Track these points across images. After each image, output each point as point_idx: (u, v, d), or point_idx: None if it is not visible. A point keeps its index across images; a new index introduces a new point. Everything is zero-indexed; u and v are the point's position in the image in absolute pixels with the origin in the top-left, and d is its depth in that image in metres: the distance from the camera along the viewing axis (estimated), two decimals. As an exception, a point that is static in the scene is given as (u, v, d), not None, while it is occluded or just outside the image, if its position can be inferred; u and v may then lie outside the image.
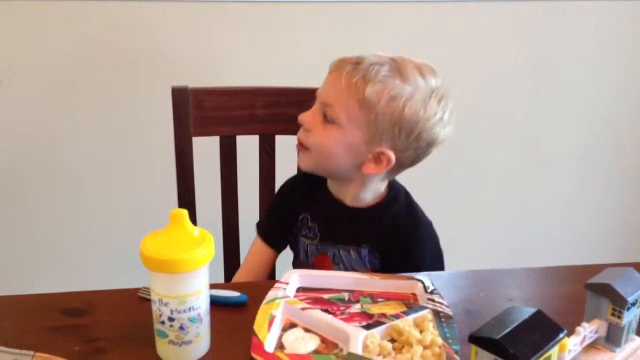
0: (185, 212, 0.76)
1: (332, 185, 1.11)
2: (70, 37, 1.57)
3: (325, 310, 0.86)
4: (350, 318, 0.85)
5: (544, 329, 0.66)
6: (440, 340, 0.79)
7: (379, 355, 0.77)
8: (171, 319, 0.75)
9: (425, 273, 0.97)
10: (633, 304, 0.76)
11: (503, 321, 0.66)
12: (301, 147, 1.04)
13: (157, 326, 0.77)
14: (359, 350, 0.77)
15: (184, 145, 1.24)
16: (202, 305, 0.77)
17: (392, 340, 0.81)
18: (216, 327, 0.81)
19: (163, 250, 0.74)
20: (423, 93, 0.99)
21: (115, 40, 1.59)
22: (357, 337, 0.79)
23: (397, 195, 1.09)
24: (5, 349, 0.76)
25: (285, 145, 1.29)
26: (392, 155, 1.00)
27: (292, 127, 1.25)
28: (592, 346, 0.79)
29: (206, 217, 1.23)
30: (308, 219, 1.12)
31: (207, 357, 0.79)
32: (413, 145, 1.01)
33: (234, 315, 0.87)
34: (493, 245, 1.99)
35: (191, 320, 0.76)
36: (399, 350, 0.79)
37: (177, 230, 0.76)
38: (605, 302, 0.77)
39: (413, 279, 0.94)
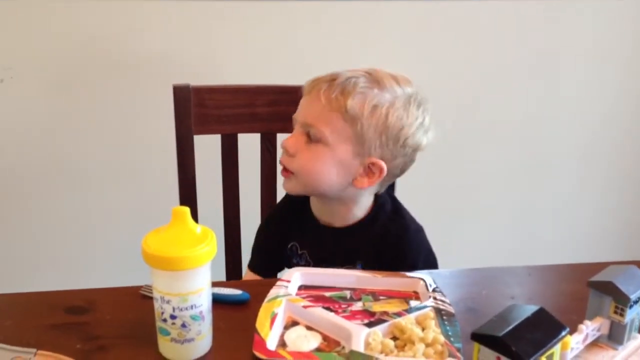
0: (187, 210, 0.76)
1: (318, 210, 1.09)
2: (72, 35, 1.57)
3: (327, 308, 0.86)
4: (352, 316, 0.85)
5: (546, 327, 0.66)
6: (442, 338, 0.79)
7: (381, 353, 0.77)
8: (173, 317, 0.75)
9: (427, 271, 0.97)
10: (635, 302, 0.76)
11: (505, 319, 0.66)
12: (286, 172, 1.03)
13: (159, 324, 0.77)
14: (361, 348, 0.77)
15: (185, 143, 1.24)
16: (204, 303, 0.77)
17: (394, 338, 0.81)
18: (218, 325, 0.81)
19: (165, 247, 0.74)
20: (402, 100, 1.00)
21: (117, 38, 1.59)
22: (359, 335, 0.79)
23: (383, 205, 1.08)
24: (8, 346, 0.76)
25: (287, 144, 1.29)
26: (384, 165, 1.00)
27: (292, 126, 1.26)
28: (595, 344, 0.78)
29: (207, 215, 1.23)
30: (297, 247, 1.11)
31: (209, 355, 0.79)
32: (401, 152, 1.01)
33: (236, 313, 0.87)
34: (495, 244, 1.99)
35: (193, 318, 0.76)
36: (401, 348, 0.79)
37: (179, 227, 0.76)
38: (607, 300, 0.77)
39: (415, 277, 0.94)
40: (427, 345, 0.78)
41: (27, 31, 1.55)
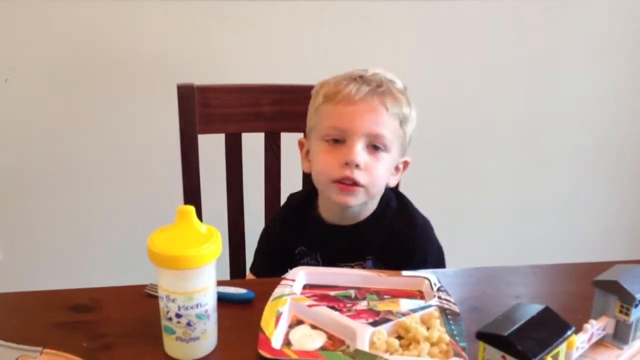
0: (192, 209, 0.76)
1: (327, 211, 1.09)
2: (76, 35, 1.58)
3: (332, 307, 0.86)
4: (357, 315, 0.85)
5: (551, 326, 0.66)
6: (447, 337, 0.79)
7: (386, 352, 0.77)
8: (178, 316, 0.76)
9: (432, 270, 0.97)
10: (641, 301, 0.76)
11: (511, 318, 0.66)
12: (355, 187, 0.99)
13: (164, 323, 0.78)
14: (365, 347, 0.77)
15: (189, 142, 1.24)
16: (209, 302, 0.77)
17: (399, 337, 0.81)
18: (223, 323, 0.81)
19: (170, 246, 0.74)
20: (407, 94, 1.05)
21: (121, 38, 1.59)
22: (363, 334, 0.79)
23: (389, 201, 1.09)
24: (14, 345, 0.76)
25: (291, 143, 1.29)
26: (409, 159, 1.06)
27: (297, 125, 1.26)
28: (600, 343, 0.78)
29: (212, 214, 1.22)
30: (305, 250, 1.11)
31: (214, 353, 0.79)
32: (409, 144, 1.06)
33: (241, 312, 0.87)
34: (499, 243, 1.99)
35: (198, 316, 0.76)
36: (405, 347, 0.79)
37: (184, 226, 0.76)
38: (613, 299, 0.77)
39: (419, 276, 0.94)
40: (432, 344, 0.78)
41: (31, 31, 1.56)
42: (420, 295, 0.91)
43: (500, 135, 1.88)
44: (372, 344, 0.78)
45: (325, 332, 0.82)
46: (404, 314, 0.84)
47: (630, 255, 1.07)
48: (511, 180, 1.94)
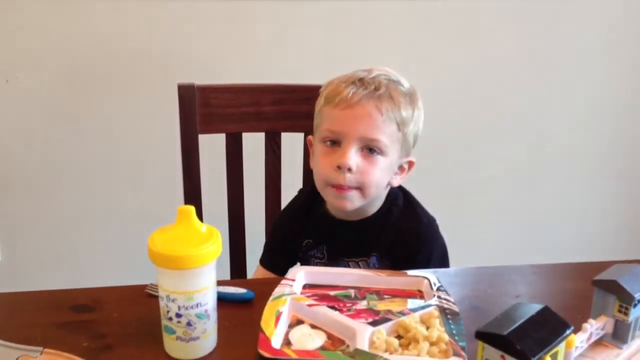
0: (192, 209, 0.76)
1: (332, 207, 1.10)
2: (77, 35, 1.58)
3: (332, 307, 0.86)
4: (356, 315, 0.85)
5: (551, 326, 0.66)
6: (446, 337, 0.79)
7: (386, 351, 0.77)
8: (179, 315, 0.76)
9: (432, 270, 0.97)
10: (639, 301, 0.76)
11: (510, 317, 0.66)
12: (349, 189, 1.00)
13: (164, 322, 0.78)
14: (365, 347, 0.77)
15: (190, 142, 1.25)
16: (209, 302, 0.77)
17: (399, 337, 0.81)
18: (223, 323, 0.82)
19: (171, 246, 0.74)
20: (417, 94, 1.04)
21: (122, 38, 1.60)
22: (363, 334, 0.79)
23: (395, 199, 1.10)
24: (15, 345, 0.76)
25: (291, 143, 1.29)
26: (414, 160, 1.06)
27: (298, 124, 1.26)
28: (599, 343, 0.79)
29: (212, 214, 1.23)
30: (312, 243, 1.13)
31: (215, 353, 0.79)
32: (414, 145, 1.06)
33: (240, 312, 0.87)
34: (499, 243, 1.99)
35: (198, 316, 0.76)
36: (405, 346, 0.79)
37: (184, 226, 0.76)
38: (612, 298, 0.77)
39: (419, 276, 0.94)
40: (432, 343, 0.78)
41: (32, 31, 1.56)
42: (420, 294, 0.91)
43: (501, 135, 1.88)
44: (371, 343, 0.78)
45: (325, 331, 0.82)
46: (403, 314, 0.84)
47: (629, 255, 1.07)
48: (511, 180, 1.94)
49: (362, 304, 0.88)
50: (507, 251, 1.97)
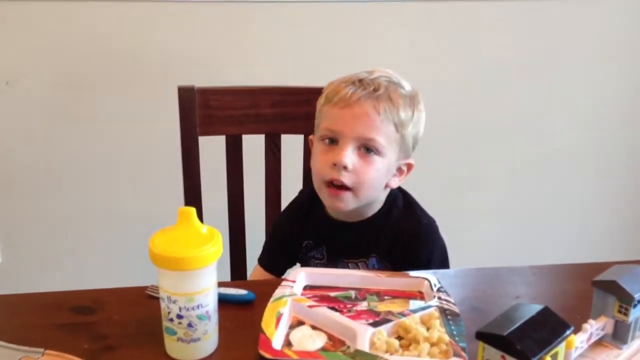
0: (193, 210, 0.76)
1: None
2: (77, 37, 1.58)
3: (332, 308, 0.86)
4: (357, 316, 0.85)
5: (551, 326, 0.66)
6: (447, 338, 0.79)
7: (386, 352, 0.77)
8: (180, 317, 0.76)
9: (432, 271, 0.97)
10: (639, 301, 0.76)
11: (510, 318, 0.66)
12: (343, 189, 1.00)
13: (165, 324, 0.78)
14: (366, 348, 0.77)
15: (190, 144, 1.25)
16: (210, 303, 0.77)
17: (399, 338, 0.81)
18: (224, 324, 0.82)
19: (172, 247, 0.74)
20: (419, 96, 1.04)
21: (122, 40, 1.60)
22: (364, 335, 0.79)
23: (395, 200, 1.10)
24: (16, 346, 0.76)
25: (291, 145, 1.30)
26: (413, 162, 1.05)
27: (297, 126, 1.26)
28: (599, 343, 0.79)
29: (212, 216, 1.23)
30: (312, 244, 1.13)
31: (215, 354, 0.79)
32: (414, 147, 1.06)
33: (241, 313, 0.87)
34: (499, 244, 1.99)
35: (199, 317, 0.76)
36: (406, 347, 0.79)
37: (185, 227, 0.76)
38: (611, 299, 0.77)
39: (419, 277, 0.94)
40: (432, 344, 0.78)
41: (33, 33, 1.56)
42: (420, 295, 0.91)
43: (501, 136, 1.88)
44: (372, 344, 0.78)
45: (326, 332, 0.83)
46: (404, 315, 0.84)
47: (629, 256, 1.07)
48: (511, 181, 1.94)
49: (363, 305, 0.88)
50: (507, 252, 1.97)
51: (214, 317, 0.79)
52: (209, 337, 0.79)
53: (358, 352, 0.77)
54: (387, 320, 0.83)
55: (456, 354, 0.76)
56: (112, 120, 1.66)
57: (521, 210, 1.98)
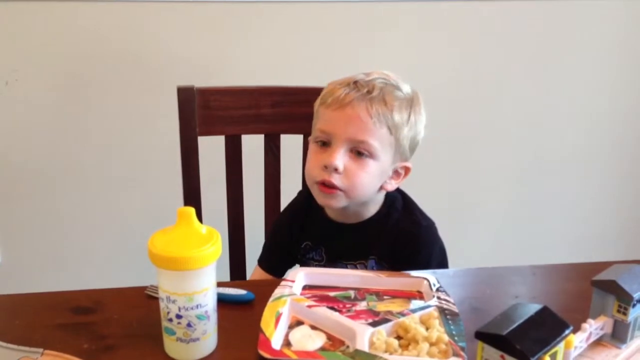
0: (192, 210, 0.77)
1: (331, 210, 1.10)
2: (76, 37, 1.58)
3: (332, 308, 0.86)
4: (356, 315, 0.85)
5: (550, 325, 0.67)
6: (446, 337, 0.79)
7: (386, 352, 0.77)
8: (179, 317, 0.76)
9: (431, 271, 0.97)
10: (639, 301, 0.76)
11: (509, 317, 0.66)
12: (333, 189, 1.00)
13: (164, 324, 0.78)
14: (365, 347, 0.77)
15: (189, 144, 1.25)
16: (209, 303, 0.77)
17: (399, 338, 0.81)
18: (223, 324, 0.82)
19: (171, 247, 0.74)
20: (419, 102, 1.03)
21: (122, 40, 1.60)
22: (363, 335, 0.79)
23: (393, 202, 1.10)
24: (15, 346, 0.77)
25: (291, 145, 1.30)
26: (411, 165, 1.04)
27: (297, 127, 1.26)
28: (598, 343, 0.79)
29: (212, 216, 1.23)
30: (310, 245, 1.13)
31: (215, 354, 0.80)
32: (413, 150, 1.05)
33: (241, 313, 0.87)
34: (499, 243, 1.99)
35: (199, 317, 0.76)
36: (405, 347, 0.79)
37: (184, 228, 0.76)
38: (610, 298, 0.77)
39: (419, 277, 0.94)
40: (431, 344, 0.78)
41: (31, 33, 1.56)
42: (419, 295, 0.92)
43: (500, 136, 1.88)
44: (371, 344, 0.78)
45: (325, 332, 0.83)
46: (403, 315, 0.84)
47: (628, 256, 1.07)
48: (511, 181, 1.94)
49: (362, 305, 0.88)
50: (506, 252, 1.98)
51: (213, 317, 0.79)
52: (208, 337, 0.79)
53: (357, 352, 0.77)
54: (387, 320, 0.83)
55: (455, 354, 0.76)
56: (112, 121, 1.66)
57: (521, 210, 1.99)
